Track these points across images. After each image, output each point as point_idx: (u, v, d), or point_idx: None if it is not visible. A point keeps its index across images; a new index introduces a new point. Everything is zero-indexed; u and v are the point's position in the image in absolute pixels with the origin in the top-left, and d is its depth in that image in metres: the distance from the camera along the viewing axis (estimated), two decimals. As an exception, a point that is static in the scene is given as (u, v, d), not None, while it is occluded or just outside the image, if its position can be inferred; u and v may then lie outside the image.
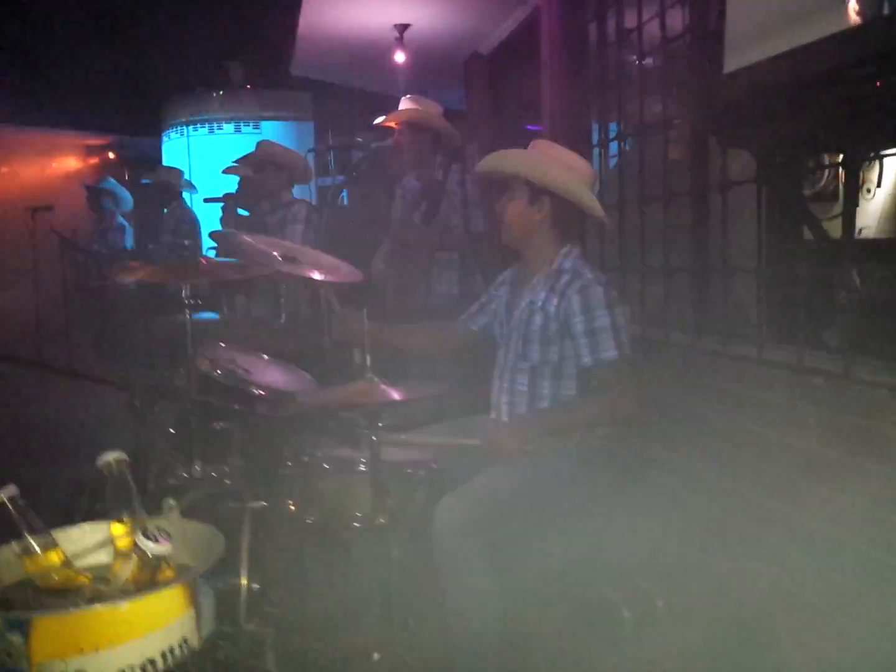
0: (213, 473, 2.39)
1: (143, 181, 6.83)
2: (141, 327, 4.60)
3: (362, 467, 2.28)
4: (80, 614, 1.41)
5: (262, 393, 2.49)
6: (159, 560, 1.50)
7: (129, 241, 6.82)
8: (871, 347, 2.28)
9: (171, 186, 6.34)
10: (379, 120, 4.03)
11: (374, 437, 2.18)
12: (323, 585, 2.68)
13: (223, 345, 2.79)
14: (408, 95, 4.09)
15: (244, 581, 2.30)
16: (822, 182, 3.08)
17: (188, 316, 2.60)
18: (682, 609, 2.71)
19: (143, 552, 1.48)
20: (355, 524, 2.30)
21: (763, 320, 2.68)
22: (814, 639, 2.34)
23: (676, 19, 3.19)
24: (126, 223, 6.69)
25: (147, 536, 1.48)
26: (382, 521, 2.18)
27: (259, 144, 4.72)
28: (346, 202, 7.03)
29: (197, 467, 2.39)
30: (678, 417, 3.02)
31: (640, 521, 2.90)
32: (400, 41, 5.85)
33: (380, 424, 2.24)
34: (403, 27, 5.73)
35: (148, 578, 1.49)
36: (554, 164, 2.51)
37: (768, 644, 2.49)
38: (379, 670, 2.19)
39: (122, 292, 5.57)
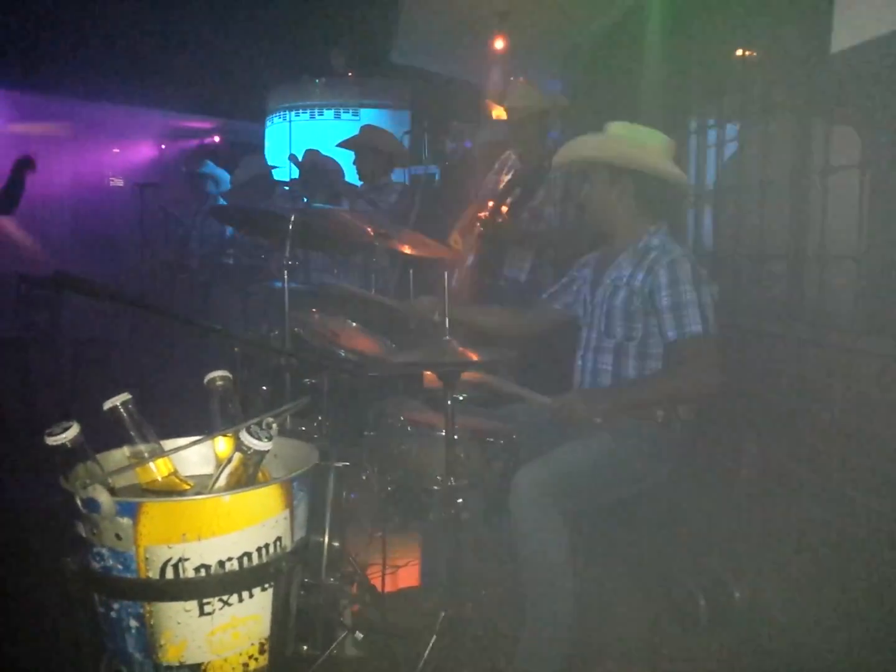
0: (301, 428, 2.47)
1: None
2: (240, 294, 4.76)
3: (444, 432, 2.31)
4: (186, 503, 1.49)
5: (349, 355, 2.54)
6: (261, 457, 1.53)
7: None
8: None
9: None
10: (495, 110, 3.99)
11: (449, 401, 2.20)
12: (401, 547, 2.75)
13: (315, 310, 2.87)
14: (520, 78, 4.00)
15: (326, 538, 2.37)
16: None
17: (285, 279, 2.70)
18: (760, 602, 2.66)
19: (246, 450, 1.51)
20: (434, 487, 2.34)
21: (861, 309, 2.61)
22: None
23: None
24: None
25: (251, 433, 1.50)
26: (453, 482, 2.20)
27: (362, 129, 4.81)
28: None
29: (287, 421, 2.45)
30: (766, 406, 2.96)
31: (720, 507, 2.86)
32: (500, 29, 5.85)
33: (459, 398, 2.23)
34: (504, 14, 5.74)
35: (248, 476, 1.53)
36: (627, 142, 2.52)
37: (848, 642, 2.43)
38: (446, 628, 2.22)
39: (222, 268, 5.73)
